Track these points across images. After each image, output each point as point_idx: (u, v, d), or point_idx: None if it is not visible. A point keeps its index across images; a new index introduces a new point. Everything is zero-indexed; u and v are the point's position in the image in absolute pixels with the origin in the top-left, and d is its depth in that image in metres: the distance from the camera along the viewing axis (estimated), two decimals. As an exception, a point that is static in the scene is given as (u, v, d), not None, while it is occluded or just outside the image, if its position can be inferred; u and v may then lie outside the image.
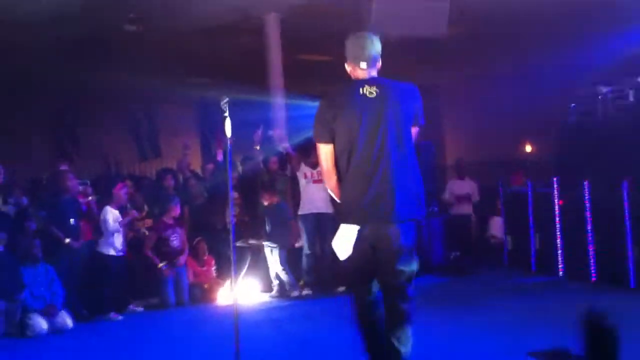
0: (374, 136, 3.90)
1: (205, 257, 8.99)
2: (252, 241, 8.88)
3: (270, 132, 9.20)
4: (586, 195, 8.00)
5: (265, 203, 8.80)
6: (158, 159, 13.92)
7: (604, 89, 8.43)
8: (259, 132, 9.07)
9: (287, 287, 8.61)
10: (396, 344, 3.86)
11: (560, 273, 8.53)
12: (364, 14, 9.75)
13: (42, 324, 7.09)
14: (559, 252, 8.55)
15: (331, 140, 3.97)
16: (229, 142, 4.75)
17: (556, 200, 8.62)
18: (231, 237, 4.90)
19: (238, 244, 8.51)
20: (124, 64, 11.19)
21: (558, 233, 8.56)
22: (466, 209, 10.94)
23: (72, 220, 8.00)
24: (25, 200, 8.71)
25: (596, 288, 7.67)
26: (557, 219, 8.59)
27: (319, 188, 8.85)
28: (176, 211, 8.72)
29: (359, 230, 3.88)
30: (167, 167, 11.43)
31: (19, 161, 11.09)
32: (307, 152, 8.95)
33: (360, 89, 3.98)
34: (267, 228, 8.68)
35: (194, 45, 11.04)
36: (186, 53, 11.39)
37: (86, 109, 13.38)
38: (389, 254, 3.89)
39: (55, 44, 10.33)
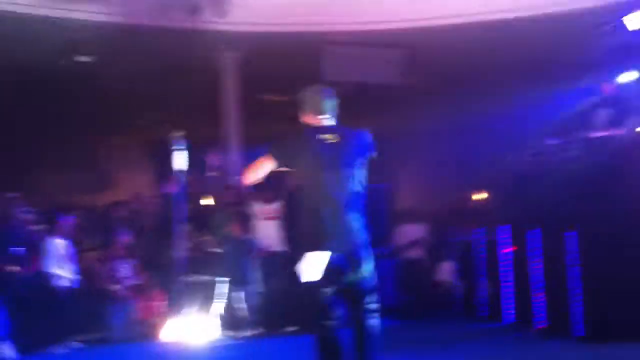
0: (334, 178, 4.35)
1: (153, 292, 8.83)
2: (201, 277, 8.73)
3: (223, 160, 9.08)
4: (534, 243, 8.15)
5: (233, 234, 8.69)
6: (108, 193, 13.70)
7: (552, 142, 8.68)
8: (214, 156, 8.87)
9: (242, 324, 8.48)
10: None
11: (510, 320, 8.61)
12: (319, 59, 9.92)
13: (-18, 355, 6.87)
14: (508, 299, 8.64)
15: (277, 162, 4.48)
16: (181, 175, 4.74)
17: (504, 248, 8.76)
18: (178, 272, 4.84)
19: (190, 279, 8.39)
20: (75, 95, 11.07)
21: (507, 280, 8.68)
22: (418, 253, 11.05)
23: (18, 249, 7.80)
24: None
25: (543, 336, 7.76)
26: (506, 266, 8.71)
27: (272, 225, 8.84)
28: (123, 240, 8.58)
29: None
30: (119, 199, 11.28)
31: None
32: (261, 189, 8.93)
33: (320, 135, 4.42)
34: (226, 263, 8.60)
35: (146, 82, 10.99)
36: (138, 89, 11.33)
37: (37, 140, 13.16)
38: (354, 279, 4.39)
39: (6, 74, 10.16)
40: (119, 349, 7.99)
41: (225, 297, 8.54)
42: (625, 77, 8.75)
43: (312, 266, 4.31)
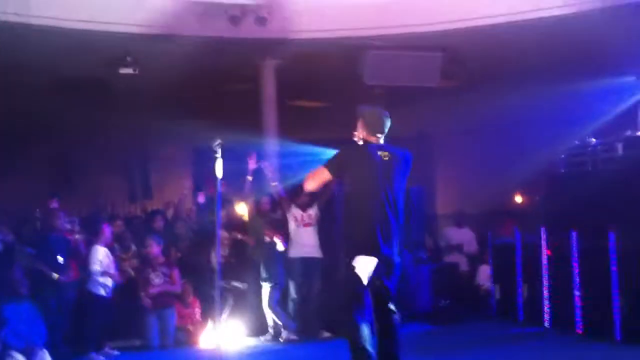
0: (385, 191, 4.87)
1: (190, 299, 8.93)
2: (234, 283, 8.80)
3: (263, 164, 9.13)
4: (573, 245, 8.02)
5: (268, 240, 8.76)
6: (149, 201, 13.91)
7: (594, 141, 8.53)
8: (252, 160, 8.93)
9: (279, 329, 8.52)
10: (396, 353, 4.84)
11: (547, 324, 8.47)
12: (358, 63, 9.93)
13: (21, 362, 7.02)
14: (546, 302, 8.51)
15: (333, 174, 4.97)
16: (219, 183, 4.81)
17: (544, 250, 8.62)
18: (216, 277, 4.89)
19: (226, 285, 8.47)
20: (119, 105, 11.30)
21: (545, 283, 8.54)
22: (456, 257, 10.97)
23: (60, 258, 7.98)
24: (11, 237, 8.69)
25: (582, 340, 7.62)
26: (544, 269, 8.58)
27: (309, 232, 8.86)
28: (153, 250, 8.69)
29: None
30: (157, 208, 11.44)
31: (13, 200, 11.13)
32: (297, 195, 8.99)
33: (377, 151, 4.96)
34: (262, 268, 8.66)
35: (188, 90, 11.16)
36: (180, 97, 11.50)
37: (80, 149, 13.44)
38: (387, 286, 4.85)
39: (53, 85, 10.44)
40: (157, 356, 8.09)
41: (262, 303, 8.59)
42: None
43: (363, 269, 4.73)
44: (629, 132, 8.10)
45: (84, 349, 7.82)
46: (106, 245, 8.34)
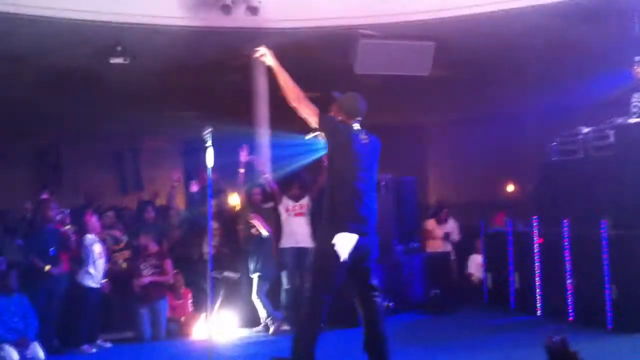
0: (364, 172, 5.06)
1: (182, 290, 8.90)
2: (227, 273, 8.76)
3: (253, 157, 9.11)
4: (565, 234, 8.03)
5: (255, 232, 8.73)
6: (139, 192, 13.86)
7: (585, 130, 8.52)
8: (244, 152, 8.90)
9: (266, 321, 8.51)
10: (384, 332, 5.05)
11: (539, 312, 8.50)
12: (350, 53, 9.88)
13: (12, 355, 6.98)
14: (537, 291, 8.53)
15: (321, 126, 5.05)
16: (210, 172, 4.77)
17: (535, 239, 8.64)
18: (208, 268, 4.87)
19: (218, 276, 8.43)
20: (109, 96, 11.23)
21: (537, 272, 8.56)
22: (438, 247, 11.01)
23: (52, 250, 7.93)
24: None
25: (574, 328, 7.64)
26: (536, 258, 8.60)
27: (301, 222, 8.83)
28: (146, 242, 8.66)
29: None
30: (148, 199, 11.39)
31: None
32: (289, 185, 8.97)
33: (359, 135, 5.11)
34: (250, 260, 8.63)
35: (179, 81, 11.09)
36: (171, 88, 11.44)
37: (70, 141, 13.37)
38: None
39: (40, 76, 10.35)
40: (149, 347, 8.06)
41: (254, 293, 8.57)
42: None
43: (344, 246, 4.87)
44: (620, 120, 8.09)
45: (76, 341, 7.78)
46: (95, 234, 8.29)
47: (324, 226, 5.08)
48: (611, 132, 8.01)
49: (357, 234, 4.93)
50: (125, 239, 9.02)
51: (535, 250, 8.60)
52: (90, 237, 8.16)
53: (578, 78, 10.51)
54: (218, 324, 8.04)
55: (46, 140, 13.69)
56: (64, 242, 8.34)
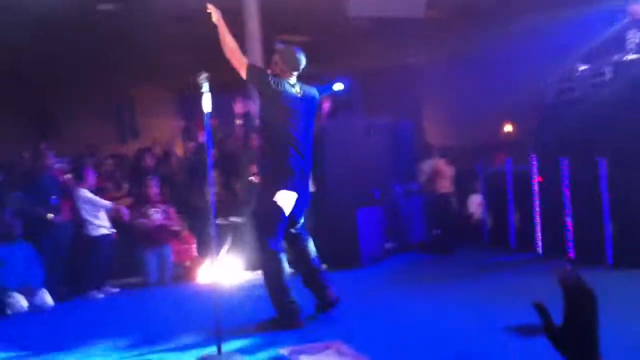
0: (298, 124, 5.22)
1: (186, 236, 8.97)
2: (233, 218, 8.83)
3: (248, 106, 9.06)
4: (564, 172, 8.07)
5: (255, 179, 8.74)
6: (136, 140, 13.82)
7: (582, 67, 8.47)
8: (239, 104, 8.86)
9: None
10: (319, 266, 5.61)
11: (539, 251, 8.61)
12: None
13: (21, 302, 7.07)
14: (537, 230, 8.62)
15: (249, 77, 5.19)
16: (208, 118, 4.75)
17: (534, 178, 8.68)
18: (211, 214, 4.90)
19: (218, 221, 8.47)
20: (103, 46, 11.08)
21: (537, 211, 8.63)
22: (446, 187, 11.04)
23: (53, 199, 7.94)
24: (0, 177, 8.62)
25: (574, 265, 7.74)
26: (536, 197, 8.66)
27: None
28: (152, 188, 8.67)
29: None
30: (147, 147, 11.36)
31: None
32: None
33: (293, 88, 5.28)
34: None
35: (172, 28, 10.93)
36: (165, 36, 11.28)
37: (65, 91, 13.24)
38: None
39: (33, 24, 10.19)
40: (156, 292, 8.16)
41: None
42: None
43: (286, 203, 5.17)
44: (616, 57, 8.04)
45: (84, 288, 7.87)
46: (95, 185, 8.30)
47: (266, 179, 5.39)
48: (608, 69, 7.97)
49: (295, 191, 5.19)
50: (125, 186, 9.04)
51: (535, 189, 8.66)
52: (82, 190, 8.14)
53: (577, 16, 10.38)
54: (224, 268, 8.13)
55: (41, 91, 13.53)
56: (64, 191, 8.37)
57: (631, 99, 7.65)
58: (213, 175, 4.97)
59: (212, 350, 4.62)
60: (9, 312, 7.00)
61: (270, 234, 5.24)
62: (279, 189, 5.16)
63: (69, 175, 8.59)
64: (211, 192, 5.03)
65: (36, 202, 7.88)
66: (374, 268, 8.53)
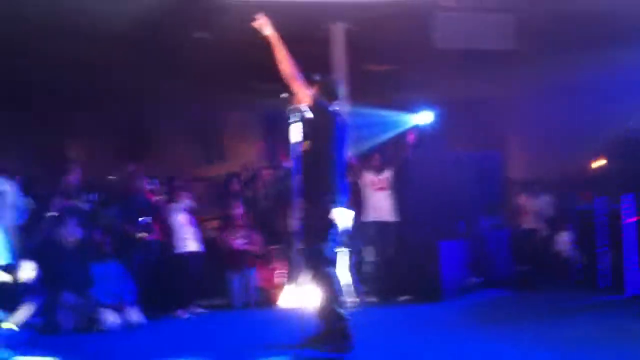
0: (341, 150, 5.38)
1: (274, 261, 9.06)
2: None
3: None
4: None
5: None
6: (223, 163, 14.08)
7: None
8: None
9: (353, 294, 8.59)
10: None
11: (632, 292, 8.30)
12: (429, 27, 9.74)
13: (112, 319, 7.29)
14: (630, 270, 8.32)
15: (315, 107, 5.25)
16: (294, 148, 4.83)
17: (627, 217, 8.40)
18: (295, 240, 4.97)
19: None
20: (191, 70, 11.39)
21: (629, 251, 8.34)
22: (534, 223, 10.81)
23: (143, 219, 8.18)
24: (95, 197, 8.92)
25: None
26: (628, 236, 8.37)
27: (383, 196, 8.85)
28: (237, 212, 8.81)
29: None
30: (234, 171, 11.57)
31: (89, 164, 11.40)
32: (368, 158, 8.99)
33: (340, 116, 5.43)
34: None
35: (260, 53, 11.13)
36: (253, 60, 11.49)
37: (154, 114, 13.65)
38: None
39: (126, 50, 10.57)
40: (240, 314, 8.27)
41: (342, 264, 8.63)
42: None
43: (342, 221, 5.36)
44: None
45: (171, 307, 8.05)
46: (185, 207, 8.50)
47: (319, 198, 5.36)
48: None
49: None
50: (212, 209, 9.24)
51: (628, 229, 8.37)
52: (178, 207, 8.36)
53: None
54: (306, 294, 8.15)
55: (130, 113, 13.99)
56: (154, 211, 8.62)
57: None
58: (300, 199, 5.05)
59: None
60: (99, 329, 7.22)
61: (322, 247, 5.45)
62: (334, 207, 5.31)
63: (161, 197, 8.81)
64: (296, 217, 5.12)
65: (128, 222, 8.13)
66: (455, 302, 8.41)
